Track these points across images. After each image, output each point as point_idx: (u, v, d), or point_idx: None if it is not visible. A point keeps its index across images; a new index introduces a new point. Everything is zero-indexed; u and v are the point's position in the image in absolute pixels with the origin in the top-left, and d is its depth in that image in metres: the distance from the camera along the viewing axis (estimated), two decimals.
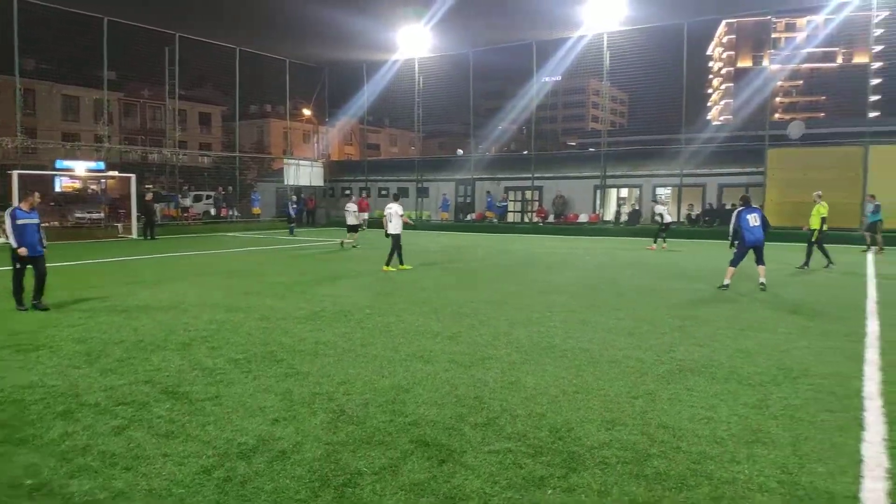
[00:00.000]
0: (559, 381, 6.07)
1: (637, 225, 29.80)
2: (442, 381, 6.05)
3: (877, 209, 19.82)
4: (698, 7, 26.63)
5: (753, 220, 11.74)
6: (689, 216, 29.06)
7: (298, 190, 36.48)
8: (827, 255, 15.99)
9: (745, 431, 4.82)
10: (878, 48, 35.15)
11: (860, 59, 76.80)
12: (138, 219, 26.53)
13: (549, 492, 3.84)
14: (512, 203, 35.54)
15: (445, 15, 26.53)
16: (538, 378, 6.17)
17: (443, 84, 35.63)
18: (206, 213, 35.78)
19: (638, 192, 32.36)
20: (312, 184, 38.09)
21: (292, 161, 37.34)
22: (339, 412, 5.18)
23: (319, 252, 20.76)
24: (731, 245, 12.18)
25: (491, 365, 6.64)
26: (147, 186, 28.47)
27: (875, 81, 32.29)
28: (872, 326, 8.73)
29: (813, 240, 16.01)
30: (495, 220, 33.82)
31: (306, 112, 45.38)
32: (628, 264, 16.87)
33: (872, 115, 33.26)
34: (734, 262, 11.88)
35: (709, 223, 28.30)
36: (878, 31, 29.30)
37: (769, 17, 29.75)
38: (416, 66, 35.20)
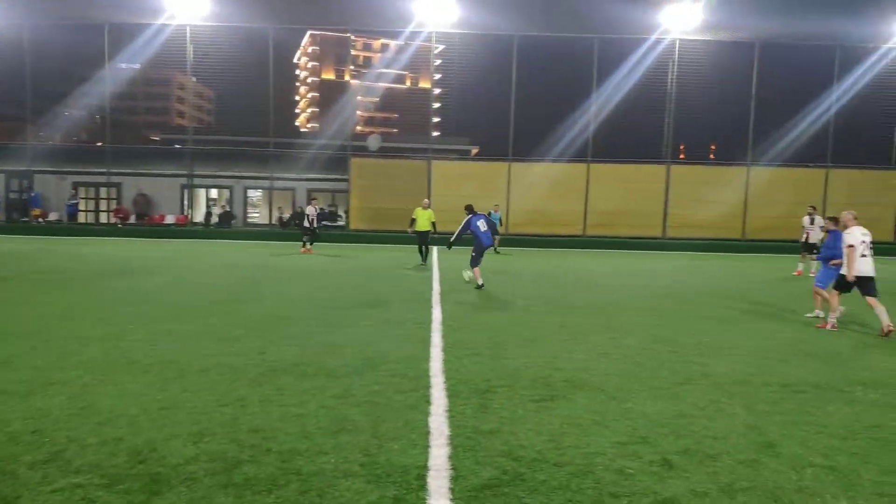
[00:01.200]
0: (141, 400, 5.51)
1: (229, 227, 29.34)
2: None
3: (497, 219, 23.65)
4: (284, 13, 27.45)
5: (483, 225, 12.89)
6: (280, 219, 29.80)
7: None
8: (424, 256, 18.44)
9: (331, 422, 5.05)
10: (438, 76, 41.32)
11: (424, 84, 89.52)
12: None
13: None
14: (84, 201, 31.44)
15: None
16: (115, 399, 5.50)
17: None
18: None
19: (228, 194, 31.88)
20: None
21: None
22: None
23: None
24: (450, 246, 13.62)
25: (56, 391, 5.68)
26: None
27: (436, 105, 37.88)
28: (437, 314, 10.13)
29: (427, 240, 18.48)
30: (41, 221, 29.32)
31: None
32: (222, 267, 16.45)
33: (434, 134, 38.94)
34: (474, 263, 12.99)
35: (299, 226, 29.44)
36: (437, 62, 34.47)
37: (348, 34, 32.25)
38: None
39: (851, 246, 9.47)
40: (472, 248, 13.42)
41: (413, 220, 18.34)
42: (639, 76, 28.27)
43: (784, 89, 30.11)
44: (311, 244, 21.02)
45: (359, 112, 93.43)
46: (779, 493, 4.05)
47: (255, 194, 32.77)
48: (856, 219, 9.85)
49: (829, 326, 9.70)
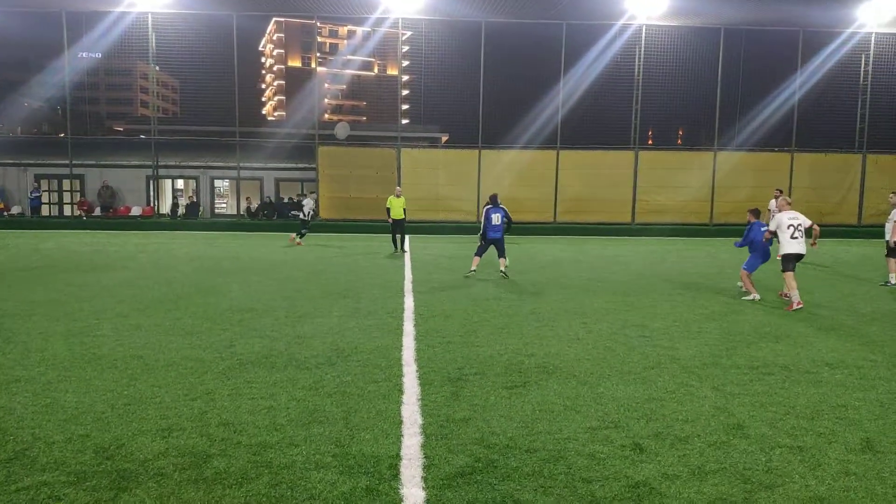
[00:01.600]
0: (107, 396, 5.40)
1: (197, 218, 28.87)
2: None
3: None
4: (248, 0, 26.91)
5: (497, 218, 13.09)
6: (248, 209, 29.39)
7: None
8: (395, 244, 18.37)
9: (302, 414, 5.01)
10: (406, 63, 41.02)
11: (392, 71, 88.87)
12: None
13: None
14: (47, 194, 30.65)
15: None
16: (81, 396, 5.39)
17: None
18: None
19: (195, 184, 31.34)
20: None
21: None
22: None
23: None
24: (481, 237, 13.41)
25: (19, 388, 5.56)
26: None
27: (405, 92, 37.59)
28: (409, 302, 10.10)
29: (402, 228, 18.51)
30: (4, 214, 28.48)
31: None
32: (189, 259, 16.19)
33: (403, 121, 38.69)
34: (478, 253, 13.33)
35: (268, 216, 29.07)
36: (405, 49, 34.11)
37: (314, 20, 31.80)
38: None
39: (772, 231, 10.56)
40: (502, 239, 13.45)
41: (388, 210, 18.41)
42: (606, 62, 28.36)
43: (749, 74, 30.56)
44: (299, 237, 20.72)
45: (326, 100, 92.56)
46: (748, 474, 4.11)
47: (222, 184, 32.23)
48: (789, 204, 10.93)
49: (794, 306, 9.96)
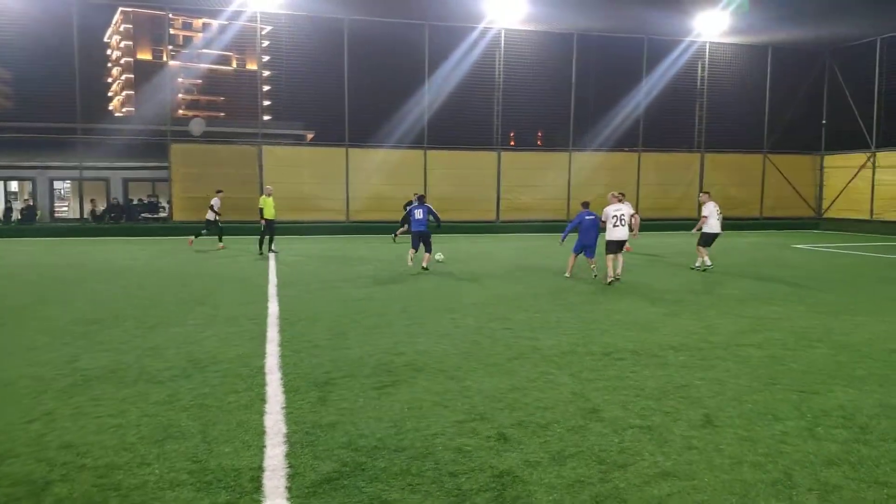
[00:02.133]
0: None
1: (34, 223, 26.31)
2: None
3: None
4: None
5: (419, 213, 14.39)
6: (92, 212, 27.18)
7: None
8: (262, 245, 17.98)
9: (155, 431, 4.69)
10: (266, 58, 39.50)
11: (252, 66, 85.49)
12: None
13: None
14: None
15: None
16: None
17: None
18: None
19: (31, 186, 28.53)
20: None
21: None
22: None
23: None
24: (398, 231, 15.20)
25: None
26: None
27: (266, 88, 36.27)
28: (273, 307, 9.75)
29: (273, 229, 18.13)
30: None
31: None
32: (25, 267, 14.68)
33: (265, 118, 37.32)
34: (414, 246, 14.30)
35: (116, 219, 27.03)
36: (265, 43, 32.91)
37: (166, 12, 29.93)
38: None
39: (604, 221, 12.86)
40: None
41: (261, 210, 17.79)
42: (470, 64, 28.97)
43: (602, 79, 32.38)
44: (220, 239, 19.47)
45: (180, 95, 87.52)
46: (603, 455, 4.34)
47: (62, 186, 29.56)
48: (614, 197, 13.09)
49: (608, 279, 12.33)
